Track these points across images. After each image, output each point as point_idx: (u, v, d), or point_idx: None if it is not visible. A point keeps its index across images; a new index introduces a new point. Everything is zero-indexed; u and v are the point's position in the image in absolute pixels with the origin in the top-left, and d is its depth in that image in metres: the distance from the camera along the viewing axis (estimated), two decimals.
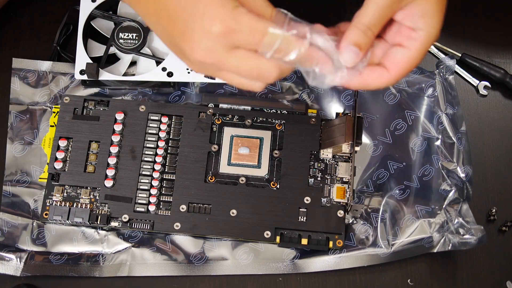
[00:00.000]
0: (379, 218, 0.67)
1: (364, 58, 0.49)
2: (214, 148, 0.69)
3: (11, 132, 0.71)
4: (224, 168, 0.68)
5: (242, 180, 0.68)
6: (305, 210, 0.66)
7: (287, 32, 0.45)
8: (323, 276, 0.66)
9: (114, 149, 0.68)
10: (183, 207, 0.66)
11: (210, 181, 0.68)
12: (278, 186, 0.68)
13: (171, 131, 0.70)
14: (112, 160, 0.67)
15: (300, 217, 0.66)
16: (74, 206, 0.67)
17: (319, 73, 0.47)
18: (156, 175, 0.67)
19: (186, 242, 0.67)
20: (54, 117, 0.71)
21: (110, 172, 0.67)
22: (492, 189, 0.71)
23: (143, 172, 0.68)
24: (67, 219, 0.66)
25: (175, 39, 0.47)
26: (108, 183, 0.67)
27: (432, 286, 0.67)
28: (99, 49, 0.73)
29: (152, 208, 0.66)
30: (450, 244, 0.66)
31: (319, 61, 0.47)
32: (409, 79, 0.73)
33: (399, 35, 0.50)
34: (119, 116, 0.69)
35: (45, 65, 0.73)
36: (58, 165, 0.67)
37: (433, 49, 0.77)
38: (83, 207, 0.67)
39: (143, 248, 0.67)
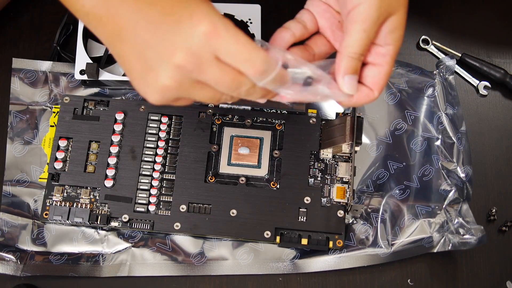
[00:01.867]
0: (379, 218, 0.67)
1: None
2: (214, 148, 0.69)
3: (11, 132, 0.71)
4: (224, 168, 0.68)
5: (242, 180, 0.68)
6: (305, 210, 0.66)
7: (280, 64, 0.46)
8: (323, 276, 0.66)
9: (114, 149, 0.68)
10: (183, 207, 0.66)
11: (210, 181, 0.68)
12: (278, 186, 0.68)
13: (171, 131, 0.70)
14: (112, 160, 0.67)
15: (300, 217, 0.66)
16: (74, 206, 0.67)
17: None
18: (156, 175, 0.67)
19: (186, 242, 0.67)
20: (54, 117, 0.71)
21: (110, 172, 0.67)
22: (492, 189, 0.71)
23: (143, 172, 0.68)
24: (67, 219, 0.66)
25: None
26: (108, 183, 0.67)
27: (432, 286, 0.67)
28: (99, 49, 0.73)
29: (152, 208, 0.66)
30: (450, 244, 0.66)
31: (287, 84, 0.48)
32: (409, 79, 0.73)
33: (368, 54, 0.50)
34: (119, 116, 0.69)
35: (45, 65, 0.73)
36: (58, 165, 0.67)
37: (433, 49, 0.77)
38: (83, 207, 0.67)
39: (143, 248, 0.67)
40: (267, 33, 0.73)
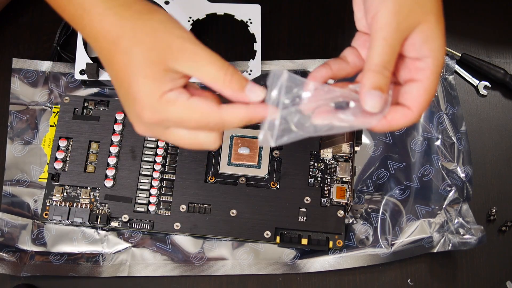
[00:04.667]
0: (379, 218, 0.67)
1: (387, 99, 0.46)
2: None
3: (11, 132, 0.71)
4: (224, 168, 0.68)
5: (242, 180, 0.68)
6: (305, 210, 0.66)
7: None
8: (323, 276, 0.66)
9: (114, 149, 0.68)
10: (183, 207, 0.66)
11: (210, 181, 0.68)
12: (278, 186, 0.68)
13: None
14: (112, 160, 0.67)
15: (300, 217, 0.66)
16: (74, 206, 0.67)
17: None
18: (156, 175, 0.67)
19: (186, 242, 0.67)
20: (54, 117, 0.71)
21: (110, 172, 0.67)
22: (492, 189, 0.71)
23: (143, 172, 0.68)
24: (67, 219, 0.66)
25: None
26: (108, 183, 0.67)
27: (432, 286, 0.67)
28: None
29: (152, 208, 0.66)
30: (450, 244, 0.66)
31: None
32: None
33: (407, 70, 0.47)
34: (119, 116, 0.69)
35: (45, 65, 0.73)
36: (58, 165, 0.67)
37: None
38: (83, 207, 0.67)
39: (143, 248, 0.67)
40: (267, 33, 0.74)
